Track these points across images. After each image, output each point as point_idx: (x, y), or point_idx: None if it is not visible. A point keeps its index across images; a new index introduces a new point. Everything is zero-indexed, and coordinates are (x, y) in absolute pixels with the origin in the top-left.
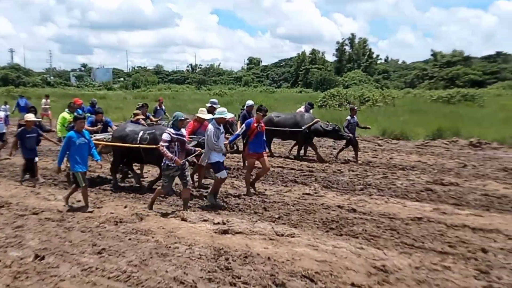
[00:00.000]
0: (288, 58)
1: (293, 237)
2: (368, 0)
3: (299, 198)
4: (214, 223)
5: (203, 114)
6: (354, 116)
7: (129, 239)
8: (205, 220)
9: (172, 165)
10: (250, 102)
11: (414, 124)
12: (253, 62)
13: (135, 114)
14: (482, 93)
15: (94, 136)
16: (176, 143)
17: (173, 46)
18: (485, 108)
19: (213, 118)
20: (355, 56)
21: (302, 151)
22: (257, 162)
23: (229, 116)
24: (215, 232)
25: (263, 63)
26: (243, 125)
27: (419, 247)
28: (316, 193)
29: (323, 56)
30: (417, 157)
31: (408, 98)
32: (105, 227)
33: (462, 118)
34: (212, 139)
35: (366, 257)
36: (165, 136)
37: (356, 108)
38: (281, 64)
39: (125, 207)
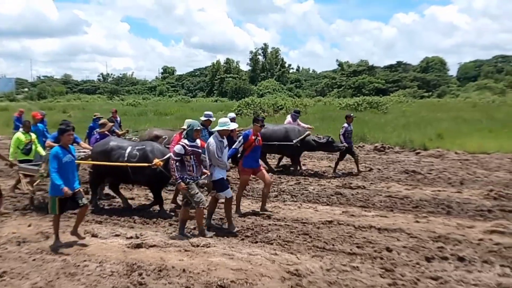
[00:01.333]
0: (203, 67)
1: (209, 247)
2: (278, 11)
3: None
4: (127, 238)
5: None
6: (351, 124)
7: (34, 259)
8: (117, 235)
9: (190, 180)
10: (232, 114)
11: (325, 131)
12: (167, 72)
13: (102, 124)
14: (385, 101)
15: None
16: (192, 156)
17: (82, 54)
18: (388, 114)
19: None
20: (268, 66)
21: (286, 165)
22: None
23: (233, 126)
24: (128, 247)
25: (178, 72)
26: (240, 137)
27: (330, 250)
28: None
29: (237, 66)
30: (327, 162)
31: (319, 106)
32: (6, 248)
33: (368, 124)
34: (215, 154)
35: (280, 263)
36: (178, 149)
37: (352, 115)
38: (196, 74)
39: (29, 225)
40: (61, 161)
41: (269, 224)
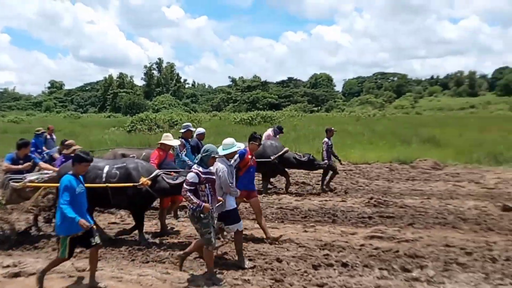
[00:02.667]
0: (94, 81)
1: (96, 270)
2: (171, 25)
3: (104, 228)
4: (3, 267)
5: (169, 140)
6: (331, 138)
7: None
8: None
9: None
10: (201, 129)
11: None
12: (55, 86)
13: (68, 145)
14: (278, 115)
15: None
16: (207, 184)
17: None
18: None
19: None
20: (163, 81)
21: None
22: None
23: (241, 146)
24: (4, 277)
25: (67, 87)
26: (236, 156)
27: (223, 264)
28: (122, 221)
29: (131, 80)
30: None
31: (215, 121)
32: None
33: None
34: (227, 180)
35: (172, 282)
36: (192, 177)
37: (333, 129)
38: (86, 88)
39: None
40: (74, 192)
41: (162, 242)
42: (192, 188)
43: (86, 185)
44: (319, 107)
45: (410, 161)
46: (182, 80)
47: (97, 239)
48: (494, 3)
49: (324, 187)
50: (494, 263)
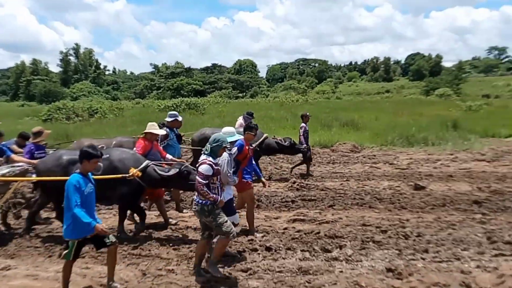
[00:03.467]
0: (5, 68)
1: (9, 269)
2: (88, 9)
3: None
4: None
5: (155, 129)
6: (307, 123)
7: None
8: None
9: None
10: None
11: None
12: None
13: (38, 133)
14: (203, 102)
15: None
16: (218, 176)
17: None
18: (206, 115)
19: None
20: (81, 67)
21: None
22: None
23: (238, 137)
24: None
25: None
26: (235, 148)
27: (146, 256)
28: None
29: (46, 67)
30: None
31: (137, 109)
32: None
33: (186, 125)
34: (226, 170)
35: (92, 277)
36: (206, 170)
37: (308, 114)
38: None
39: None
40: (83, 193)
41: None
42: (206, 182)
43: (53, 179)
44: (244, 93)
45: (331, 145)
46: (102, 67)
47: (111, 238)
48: None
49: (292, 172)
50: (406, 240)
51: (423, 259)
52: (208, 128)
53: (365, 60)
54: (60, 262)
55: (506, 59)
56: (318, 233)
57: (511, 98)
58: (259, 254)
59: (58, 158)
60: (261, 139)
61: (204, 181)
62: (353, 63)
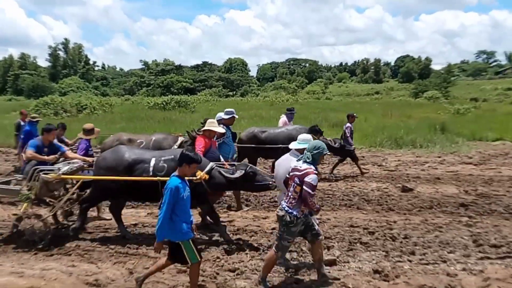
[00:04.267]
0: None
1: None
2: (76, 3)
3: (3, 221)
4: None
5: (215, 126)
6: (352, 124)
7: None
8: None
9: (301, 217)
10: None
11: (131, 131)
12: None
13: (90, 130)
14: (193, 100)
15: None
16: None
17: None
18: (196, 113)
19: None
20: (70, 62)
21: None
22: None
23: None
24: None
25: None
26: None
27: (133, 254)
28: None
29: (34, 61)
30: None
31: (127, 105)
32: None
33: (175, 123)
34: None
35: (78, 275)
36: (315, 180)
37: (355, 114)
38: None
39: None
40: (182, 198)
41: (68, 234)
42: (315, 192)
43: (136, 178)
44: (234, 92)
45: None
46: (91, 62)
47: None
48: None
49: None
50: (393, 241)
51: (410, 261)
52: (256, 127)
53: (355, 61)
54: (46, 259)
55: (494, 63)
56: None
57: (498, 102)
58: (246, 254)
59: (121, 156)
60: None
61: (313, 192)
62: (343, 64)
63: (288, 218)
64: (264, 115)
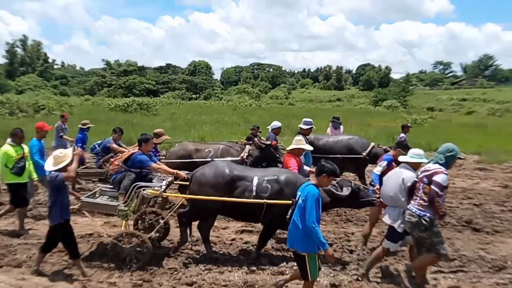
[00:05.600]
0: None
1: None
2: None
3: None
4: None
5: (303, 144)
6: (407, 134)
7: None
8: None
9: (435, 217)
10: (277, 123)
11: (91, 134)
12: None
13: (158, 135)
14: (155, 102)
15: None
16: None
17: None
18: (158, 116)
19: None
20: (28, 60)
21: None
22: None
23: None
24: None
25: None
26: (384, 163)
27: (87, 266)
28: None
29: None
30: None
31: (87, 106)
32: None
33: (136, 126)
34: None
35: None
36: (445, 180)
37: (409, 125)
38: None
39: None
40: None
41: (19, 244)
42: (444, 193)
43: (238, 199)
44: (198, 95)
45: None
46: (50, 60)
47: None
48: (358, 3)
49: None
50: (351, 254)
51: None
52: (312, 134)
53: (318, 68)
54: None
55: (450, 74)
56: (266, 245)
57: (453, 112)
58: (204, 266)
59: (222, 172)
60: (370, 147)
61: (442, 193)
62: (306, 70)
63: (424, 222)
64: (226, 120)
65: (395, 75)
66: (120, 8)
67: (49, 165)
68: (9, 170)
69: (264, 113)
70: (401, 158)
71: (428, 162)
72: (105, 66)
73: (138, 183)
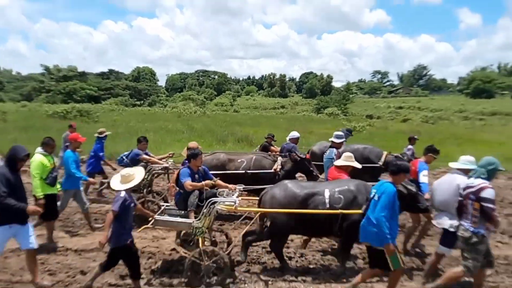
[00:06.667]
0: None
1: None
2: None
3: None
4: None
5: (353, 162)
6: (414, 145)
7: None
8: None
9: (486, 235)
10: (295, 133)
11: (25, 142)
12: None
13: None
14: (97, 109)
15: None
16: None
17: None
18: (99, 123)
19: None
20: None
21: None
22: None
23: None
24: None
25: None
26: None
27: (17, 282)
28: None
29: None
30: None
31: (23, 113)
32: None
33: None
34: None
35: None
36: (493, 194)
37: (416, 137)
38: None
39: None
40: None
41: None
42: (495, 207)
43: (312, 211)
44: (142, 102)
45: None
46: None
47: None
48: (301, 13)
49: None
50: (290, 260)
51: (304, 281)
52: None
53: (262, 75)
54: None
55: (388, 83)
56: None
57: (390, 119)
58: (143, 278)
59: (292, 192)
60: (384, 156)
61: (494, 206)
62: (251, 77)
63: (475, 239)
64: (171, 127)
65: (336, 83)
66: (60, 11)
67: (116, 184)
68: (44, 181)
69: (208, 120)
70: (453, 165)
71: (469, 177)
72: (44, 71)
73: (212, 198)
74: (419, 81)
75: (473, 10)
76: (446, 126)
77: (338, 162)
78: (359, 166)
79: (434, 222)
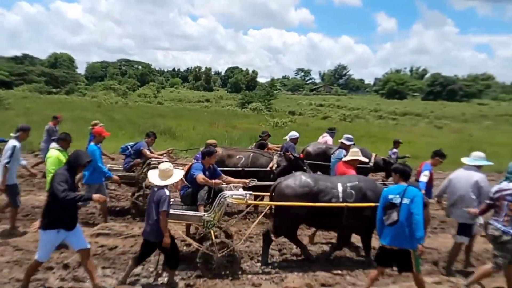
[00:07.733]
0: None
1: None
2: None
3: None
4: None
5: (359, 156)
6: (398, 149)
7: None
8: None
9: None
10: (295, 133)
11: None
12: None
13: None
14: (8, 95)
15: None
16: None
17: None
18: (11, 110)
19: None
20: None
21: None
22: None
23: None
24: None
25: None
26: (427, 171)
27: None
28: None
29: None
30: None
31: None
32: None
33: None
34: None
35: None
36: None
37: (400, 140)
38: None
39: None
40: None
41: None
42: None
43: (321, 204)
44: (59, 89)
45: None
46: None
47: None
48: (228, 7)
49: None
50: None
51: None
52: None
53: (188, 68)
54: None
55: (310, 81)
56: (123, 248)
57: (312, 116)
58: (54, 273)
59: (307, 183)
60: (373, 158)
61: None
62: (176, 69)
63: (506, 237)
64: (89, 117)
65: (261, 79)
66: None
67: (155, 179)
68: None
69: (130, 112)
70: (466, 161)
71: (502, 182)
72: None
73: (224, 192)
74: (339, 80)
75: (389, 15)
76: (362, 124)
77: (346, 158)
78: (366, 160)
79: (449, 215)
